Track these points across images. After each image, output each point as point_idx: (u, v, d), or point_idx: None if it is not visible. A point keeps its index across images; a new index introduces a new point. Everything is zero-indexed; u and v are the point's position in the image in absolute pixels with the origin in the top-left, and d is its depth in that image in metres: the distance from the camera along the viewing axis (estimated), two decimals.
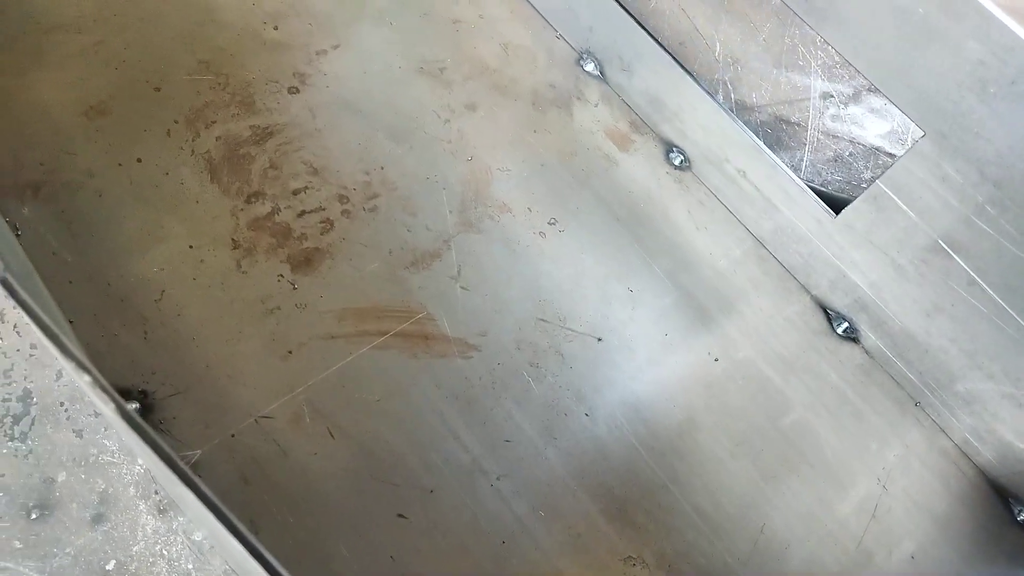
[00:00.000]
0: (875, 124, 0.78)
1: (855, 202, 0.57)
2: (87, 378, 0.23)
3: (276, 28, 0.65)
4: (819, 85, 0.78)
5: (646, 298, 0.61)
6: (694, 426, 0.56)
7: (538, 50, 0.72)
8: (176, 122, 0.59)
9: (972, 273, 0.52)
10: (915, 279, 0.56)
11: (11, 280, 0.24)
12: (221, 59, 0.63)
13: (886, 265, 0.57)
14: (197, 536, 0.47)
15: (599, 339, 0.58)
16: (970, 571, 0.56)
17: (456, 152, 0.64)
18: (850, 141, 0.76)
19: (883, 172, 0.54)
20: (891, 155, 0.76)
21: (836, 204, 0.60)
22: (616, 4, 0.66)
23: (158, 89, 0.60)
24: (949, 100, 0.47)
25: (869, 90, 0.79)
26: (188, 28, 0.63)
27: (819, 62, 0.79)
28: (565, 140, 0.67)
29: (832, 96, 0.78)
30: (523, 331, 0.57)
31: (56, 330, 0.24)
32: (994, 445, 0.58)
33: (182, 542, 0.47)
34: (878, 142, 0.76)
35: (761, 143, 0.62)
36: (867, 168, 0.74)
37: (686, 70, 0.64)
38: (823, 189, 0.67)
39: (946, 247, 0.52)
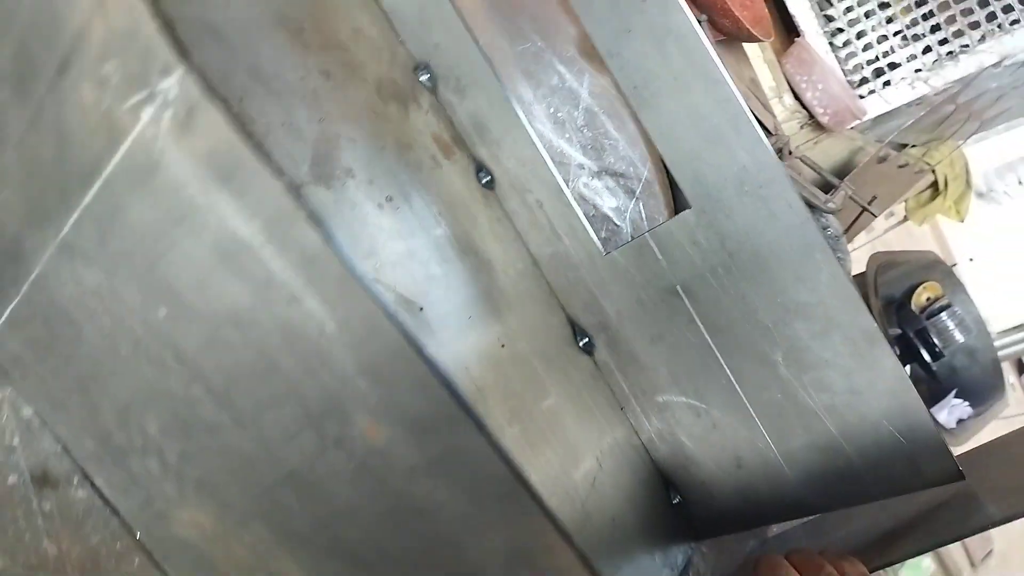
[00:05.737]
0: (608, 199, 0.99)
1: (624, 246, 0.74)
2: None
3: None
4: (578, 157, 0.97)
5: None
6: (483, 397, 0.66)
7: (384, 47, 0.78)
8: None
9: (694, 315, 0.72)
10: (651, 312, 0.74)
11: None
12: None
13: (631, 299, 0.75)
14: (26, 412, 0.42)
15: None
16: (643, 539, 0.75)
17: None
18: (593, 206, 0.95)
19: (652, 228, 0.72)
20: (617, 225, 0.97)
21: None
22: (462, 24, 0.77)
23: None
24: (715, 187, 0.66)
25: (610, 173, 1.01)
26: None
27: (582, 141, 0.99)
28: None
29: (584, 169, 0.98)
30: None
31: None
32: (670, 444, 0.78)
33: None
34: (610, 213, 0.97)
35: (562, 181, 0.77)
36: (602, 231, 0.94)
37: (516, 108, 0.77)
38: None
39: (681, 292, 0.72)
